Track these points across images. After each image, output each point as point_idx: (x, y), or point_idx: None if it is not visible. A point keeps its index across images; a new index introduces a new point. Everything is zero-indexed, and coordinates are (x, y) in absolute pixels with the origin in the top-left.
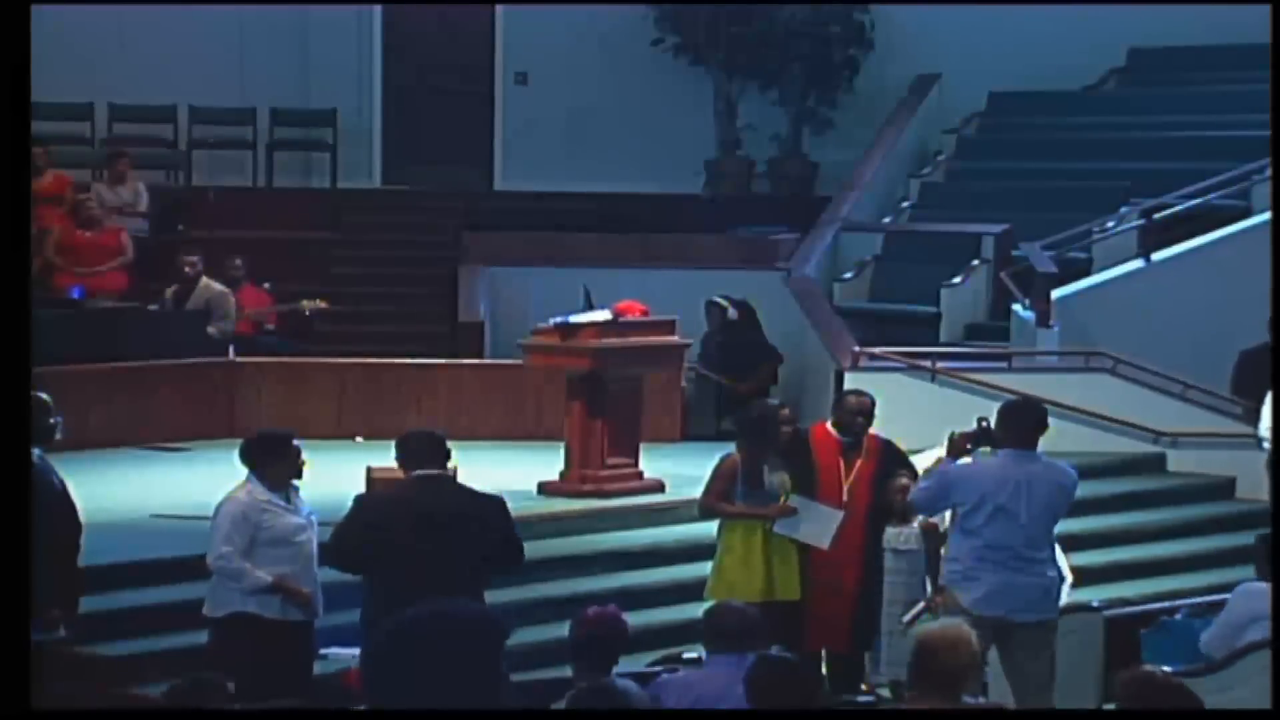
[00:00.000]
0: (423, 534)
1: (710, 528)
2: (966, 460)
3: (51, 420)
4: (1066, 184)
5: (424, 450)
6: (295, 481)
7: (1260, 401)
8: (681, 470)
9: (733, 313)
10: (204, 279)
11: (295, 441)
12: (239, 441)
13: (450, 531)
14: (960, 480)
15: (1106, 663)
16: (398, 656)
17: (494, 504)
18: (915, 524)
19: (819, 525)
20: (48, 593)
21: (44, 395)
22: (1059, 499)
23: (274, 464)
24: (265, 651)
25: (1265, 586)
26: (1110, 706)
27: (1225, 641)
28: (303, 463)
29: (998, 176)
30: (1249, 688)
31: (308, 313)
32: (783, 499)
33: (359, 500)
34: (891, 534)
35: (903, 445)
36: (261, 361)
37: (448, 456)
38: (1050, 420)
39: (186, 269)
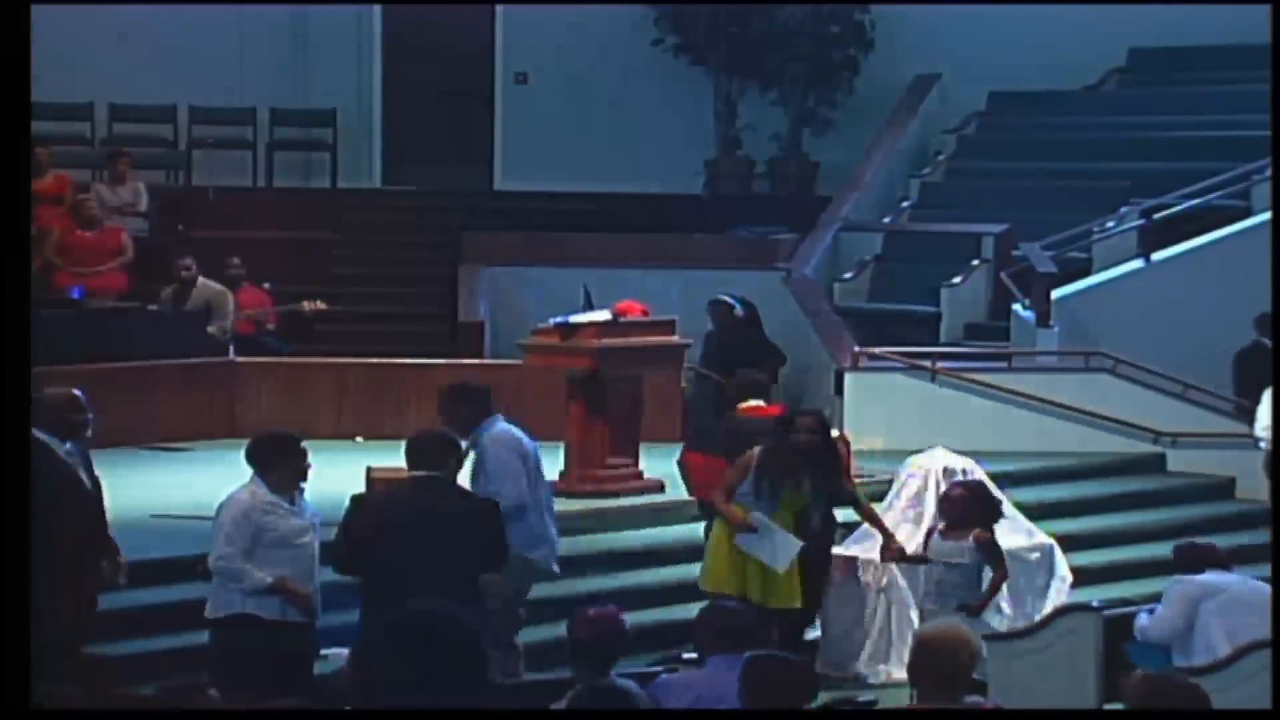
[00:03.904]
0: (414, 535)
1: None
2: None
3: (81, 417)
4: (1066, 184)
5: (426, 451)
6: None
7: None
8: None
9: (740, 309)
10: (200, 279)
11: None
12: (239, 441)
13: (441, 532)
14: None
15: (1105, 663)
16: (378, 659)
17: (485, 505)
18: (971, 538)
19: (774, 549)
20: (85, 568)
21: (77, 391)
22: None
23: (280, 465)
24: (265, 652)
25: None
26: (1108, 706)
27: (1173, 626)
28: (309, 465)
29: (998, 176)
30: (1249, 688)
31: (308, 313)
32: (743, 514)
33: (353, 502)
34: (948, 548)
35: (903, 445)
36: (261, 361)
37: (457, 457)
38: (1050, 420)
39: (183, 272)
